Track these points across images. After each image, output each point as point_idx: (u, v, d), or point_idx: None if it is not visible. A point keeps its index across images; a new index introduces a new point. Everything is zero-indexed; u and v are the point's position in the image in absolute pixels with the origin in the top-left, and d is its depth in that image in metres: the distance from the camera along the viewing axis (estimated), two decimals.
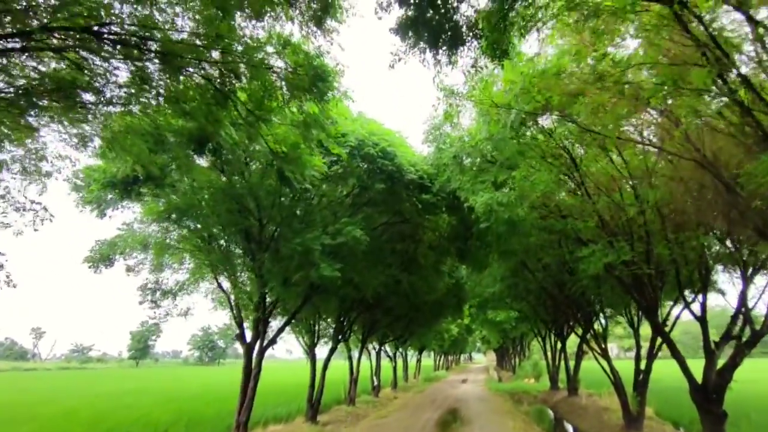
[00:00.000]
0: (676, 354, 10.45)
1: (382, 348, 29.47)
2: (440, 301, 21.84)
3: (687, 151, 6.93)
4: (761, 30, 5.22)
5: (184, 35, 7.25)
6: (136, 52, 7.16)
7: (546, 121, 10.83)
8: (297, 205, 12.44)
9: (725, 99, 7.12)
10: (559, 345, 25.53)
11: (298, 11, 6.38)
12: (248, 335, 13.08)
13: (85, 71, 6.64)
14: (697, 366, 10.22)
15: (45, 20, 5.90)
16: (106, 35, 6.51)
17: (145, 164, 9.58)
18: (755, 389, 17.20)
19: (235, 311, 13.28)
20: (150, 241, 12.02)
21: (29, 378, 53.15)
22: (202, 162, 11.82)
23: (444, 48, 5.12)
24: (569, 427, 17.64)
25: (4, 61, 6.45)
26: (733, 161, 7.57)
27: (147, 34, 6.95)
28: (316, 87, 6.77)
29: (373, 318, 20.94)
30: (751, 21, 5.00)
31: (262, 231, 11.99)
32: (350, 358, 23.15)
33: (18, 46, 6.02)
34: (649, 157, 10.44)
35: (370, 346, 27.80)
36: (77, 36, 6.19)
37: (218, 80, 7.87)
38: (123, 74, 7.54)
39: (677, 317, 13.96)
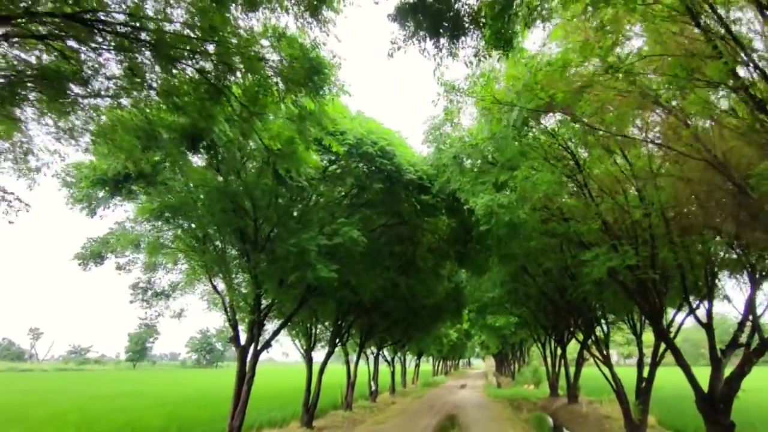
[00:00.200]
0: (681, 361, 10.17)
1: (381, 352, 29.14)
2: (439, 306, 21.53)
3: (696, 151, 6.67)
4: None
5: (177, 26, 7.04)
6: (126, 42, 6.93)
7: (549, 121, 10.60)
8: (294, 206, 12.18)
9: (734, 96, 6.92)
10: (559, 351, 25.19)
11: (293, 1, 6.14)
12: (243, 338, 12.79)
13: (72, 61, 6.39)
14: (698, 374, 9.93)
15: (28, 4, 5.65)
16: (94, 24, 6.27)
17: (136, 161, 9.34)
18: (759, 398, 16.85)
19: (229, 313, 13.00)
20: (142, 240, 11.74)
21: (25, 379, 52.72)
22: (198, 161, 11.61)
23: (445, 37, 4.88)
24: None
25: None
26: (743, 162, 7.32)
27: (138, 24, 6.72)
28: (311, 80, 6.52)
29: (371, 322, 20.63)
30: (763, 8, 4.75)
31: (257, 231, 11.72)
32: (347, 362, 22.81)
33: (0, 32, 5.78)
34: (654, 159, 10.20)
35: (368, 351, 27.48)
36: (63, 23, 5.95)
37: (212, 74, 7.66)
38: (114, 66, 7.34)
39: (681, 324, 13.67)
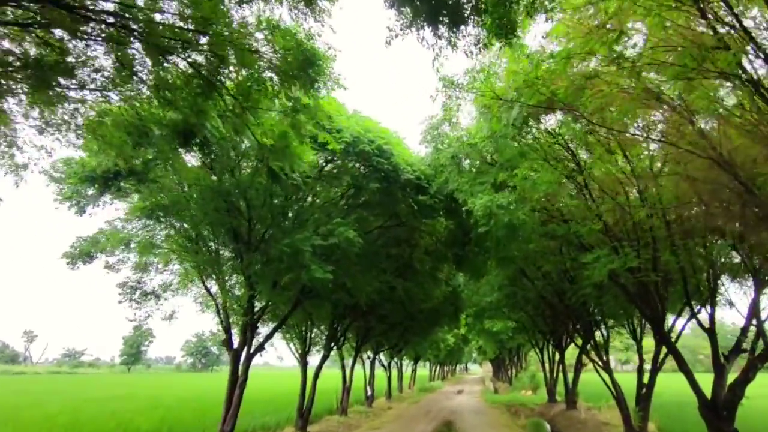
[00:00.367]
0: (683, 367, 9.94)
1: (377, 357, 28.84)
2: (436, 310, 21.24)
3: (701, 150, 6.47)
4: None
5: (168, 17, 6.84)
6: (115, 33, 6.72)
7: (549, 122, 10.42)
8: (289, 206, 11.94)
9: (739, 93, 6.73)
10: (557, 356, 24.92)
11: None
12: (236, 341, 12.51)
13: (56, 50, 6.16)
14: (697, 380, 9.72)
15: None
16: (80, 11, 6.05)
17: (127, 158, 9.10)
18: (763, 405, 16.59)
19: (222, 316, 12.73)
20: (133, 239, 11.48)
21: (17, 381, 52.15)
22: (191, 159, 11.37)
23: (444, 25, 4.67)
24: None
25: None
26: (748, 161, 7.13)
27: (127, 14, 6.50)
28: (305, 73, 6.30)
29: (367, 325, 20.35)
30: None
31: (251, 231, 11.48)
32: (343, 366, 22.51)
33: None
34: (655, 160, 10.02)
35: (364, 355, 27.19)
36: (47, 10, 5.72)
37: (204, 67, 7.45)
38: (103, 58, 7.13)
39: (682, 329, 13.47)
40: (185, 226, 11.74)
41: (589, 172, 10.05)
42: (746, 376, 8.83)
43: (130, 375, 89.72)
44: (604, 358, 15.63)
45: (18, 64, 6.16)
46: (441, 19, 4.59)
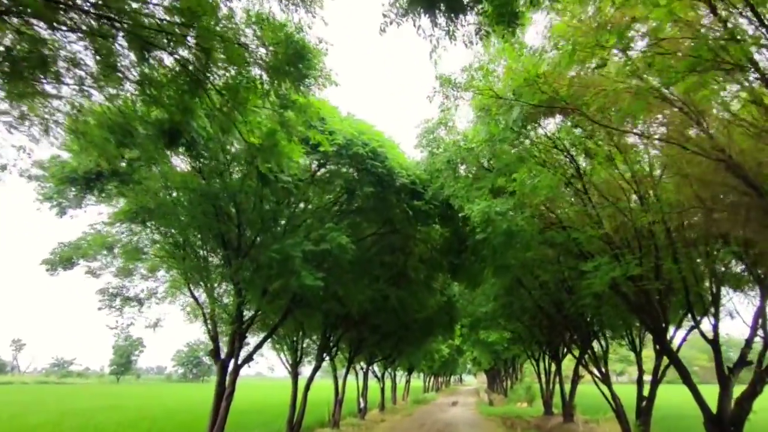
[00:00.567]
0: (687, 380, 9.58)
1: (370, 368, 28.29)
2: (431, 320, 20.79)
3: (707, 151, 6.20)
4: None
5: (152, 8, 6.52)
6: (96, 24, 6.39)
7: (549, 126, 10.17)
8: (280, 211, 11.56)
9: (745, 96, 6.48)
10: (553, 367, 24.50)
11: None
12: (225, 352, 12.03)
13: (25, 39, 5.81)
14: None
15: None
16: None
17: (110, 158, 8.71)
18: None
19: (209, 325, 12.26)
20: (116, 244, 11.04)
21: (3, 392, 50.91)
22: (181, 164, 11.01)
23: (442, 14, 4.38)
24: None
25: None
26: (755, 164, 6.86)
27: (109, 4, 6.18)
28: (295, 68, 5.97)
29: (360, 336, 19.86)
30: None
31: (240, 237, 11.07)
32: (335, 377, 21.95)
33: None
34: (655, 167, 9.79)
35: (357, 366, 26.65)
36: None
37: (191, 63, 7.13)
38: (82, 51, 6.79)
39: (682, 341, 13.14)
40: (172, 231, 11.34)
41: (589, 178, 9.78)
42: (754, 390, 8.50)
43: (119, 385, 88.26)
44: (603, 369, 15.25)
45: None
46: (439, 6, 4.30)
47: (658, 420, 15.65)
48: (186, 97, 7.45)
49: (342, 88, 7.07)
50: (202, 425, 15.66)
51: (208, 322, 12.20)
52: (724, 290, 11.06)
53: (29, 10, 5.64)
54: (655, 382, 12.84)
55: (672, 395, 26.23)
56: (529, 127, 9.60)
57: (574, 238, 9.92)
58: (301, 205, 12.33)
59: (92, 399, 39.90)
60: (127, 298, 11.51)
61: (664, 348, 10.40)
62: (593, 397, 18.81)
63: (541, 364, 26.88)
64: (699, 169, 7.12)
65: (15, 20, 6.00)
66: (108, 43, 6.73)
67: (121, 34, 6.57)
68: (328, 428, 20.19)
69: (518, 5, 4.32)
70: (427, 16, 4.43)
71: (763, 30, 4.32)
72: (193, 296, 12.46)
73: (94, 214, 10.83)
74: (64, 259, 10.48)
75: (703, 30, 5.01)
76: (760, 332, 9.21)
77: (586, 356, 16.31)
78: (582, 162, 10.43)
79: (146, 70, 7.17)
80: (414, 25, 4.55)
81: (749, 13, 4.31)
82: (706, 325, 10.75)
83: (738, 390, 9.21)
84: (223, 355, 11.91)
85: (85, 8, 6.06)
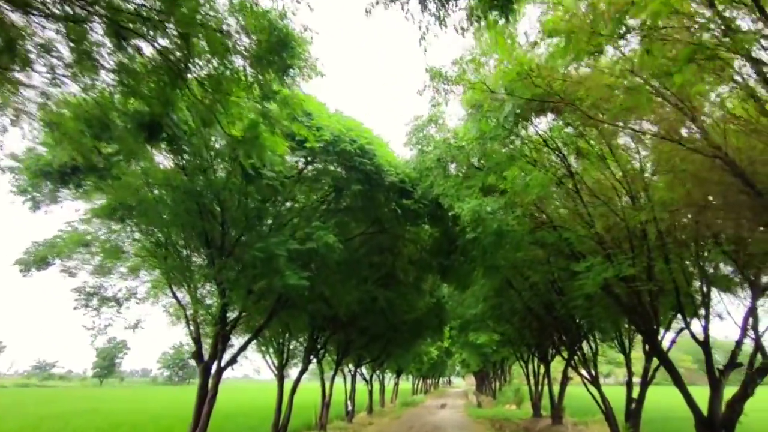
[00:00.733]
0: (678, 382, 9.46)
1: (358, 370, 27.95)
2: (420, 322, 20.56)
3: (704, 148, 6.07)
4: None
5: None
6: (71, 9, 6.08)
7: (540, 125, 10.03)
8: (265, 209, 11.24)
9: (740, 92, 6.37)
10: (542, 369, 24.41)
11: None
12: (207, 354, 11.67)
13: None
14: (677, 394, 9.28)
15: None
16: None
17: (85, 152, 8.35)
18: (761, 418, 16.20)
19: (192, 326, 11.89)
20: (93, 243, 10.62)
21: None
22: (164, 161, 10.66)
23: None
24: None
25: None
26: (749, 162, 6.74)
27: None
28: (278, 56, 5.70)
29: (348, 338, 19.55)
30: None
31: (224, 236, 10.74)
32: (323, 380, 21.60)
33: None
34: (645, 168, 9.69)
35: (345, 369, 26.32)
36: None
37: (172, 52, 6.83)
38: (54, 36, 6.46)
39: (672, 342, 13.06)
40: (154, 229, 10.97)
41: (581, 177, 9.64)
42: (745, 392, 8.40)
43: (101, 388, 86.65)
44: (593, 372, 15.15)
45: None
46: None
47: (646, 422, 15.59)
48: (166, 89, 7.15)
49: (330, 85, 6.83)
50: (185, 430, 15.31)
51: (191, 323, 11.84)
52: (714, 292, 11.01)
53: None
54: (645, 384, 12.75)
55: (659, 397, 26.31)
56: (520, 126, 9.44)
57: (566, 238, 9.78)
58: (288, 203, 12.03)
59: (73, 402, 39.00)
60: (104, 298, 11.07)
61: (655, 349, 10.28)
62: (582, 399, 18.74)
63: (530, 366, 26.80)
64: (693, 167, 6.99)
65: None
66: (82, 29, 6.43)
67: (96, 19, 6.28)
68: (315, 431, 19.85)
69: None
70: None
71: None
72: (175, 297, 12.07)
73: (70, 211, 10.41)
74: (38, 259, 10.05)
75: (702, 20, 4.86)
76: (751, 333, 9.13)
77: (576, 358, 16.21)
78: (573, 162, 10.30)
79: (124, 60, 6.88)
80: (402, 9, 4.33)
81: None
82: (695, 326, 10.71)
83: (728, 392, 9.14)
84: (206, 358, 11.56)
85: None
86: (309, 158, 10.67)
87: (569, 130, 9.66)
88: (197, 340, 11.70)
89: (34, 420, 22.58)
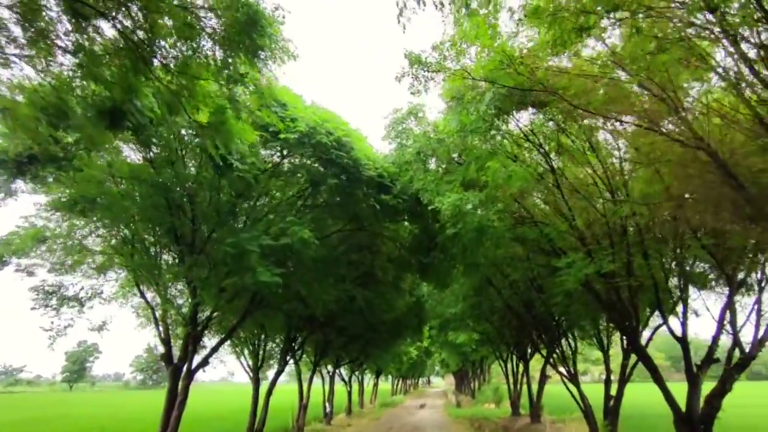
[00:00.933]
0: (657, 379, 9.41)
1: (337, 371, 27.54)
2: (399, 321, 20.28)
3: (687, 140, 5.95)
4: None
5: None
6: None
7: (522, 119, 9.88)
8: (239, 204, 10.81)
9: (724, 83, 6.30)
10: (521, 368, 24.44)
11: None
12: (177, 356, 11.15)
13: None
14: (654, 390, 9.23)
15: None
16: None
17: (41, 141, 7.81)
18: (738, 413, 16.45)
19: (161, 327, 11.35)
20: (55, 239, 10.02)
21: None
22: (132, 154, 10.14)
23: None
24: None
25: None
26: (729, 154, 6.67)
27: None
28: (247, 37, 5.35)
29: (326, 338, 19.13)
30: None
31: (195, 232, 10.26)
32: (300, 381, 21.13)
33: None
34: (630, 154, 9.63)
35: (323, 370, 25.87)
36: None
37: (134, 34, 6.43)
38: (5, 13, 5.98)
39: (649, 339, 13.10)
40: (120, 225, 10.42)
41: (561, 172, 9.52)
42: (723, 387, 8.38)
43: (71, 393, 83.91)
44: (573, 370, 15.13)
45: None
46: None
47: (623, 419, 15.65)
48: (129, 74, 6.72)
49: (307, 77, 6.48)
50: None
51: (160, 324, 11.30)
52: (691, 289, 11.04)
53: None
54: (623, 382, 12.74)
55: (636, 394, 26.66)
56: (501, 120, 9.26)
57: (546, 234, 9.64)
58: (262, 198, 11.61)
59: (42, 408, 37.57)
60: (65, 297, 10.44)
61: (634, 346, 10.23)
62: (560, 397, 18.78)
63: (509, 365, 26.82)
64: (674, 158, 6.89)
65: None
66: (36, 6, 5.99)
67: None
68: None
69: None
70: None
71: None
72: (143, 296, 11.50)
73: (28, 205, 9.79)
74: None
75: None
76: (730, 329, 9.14)
77: (555, 356, 16.18)
78: (554, 158, 10.19)
79: (83, 41, 6.44)
80: None
81: None
82: (672, 323, 10.72)
83: (706, 388, 9.13)
84: (176, 360, 11.05)
85: None
86: (284, 151, 10.29)
87: (551, 124, 9.55)
88: (167, 342, 11.18)
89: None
